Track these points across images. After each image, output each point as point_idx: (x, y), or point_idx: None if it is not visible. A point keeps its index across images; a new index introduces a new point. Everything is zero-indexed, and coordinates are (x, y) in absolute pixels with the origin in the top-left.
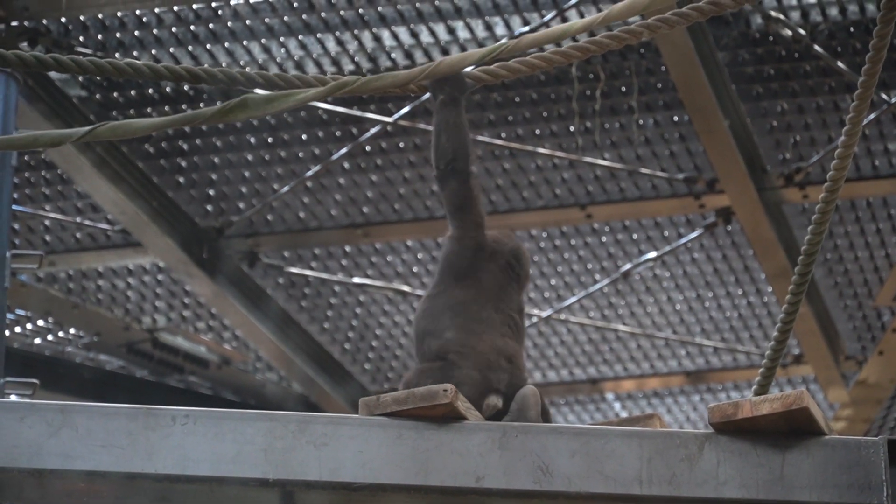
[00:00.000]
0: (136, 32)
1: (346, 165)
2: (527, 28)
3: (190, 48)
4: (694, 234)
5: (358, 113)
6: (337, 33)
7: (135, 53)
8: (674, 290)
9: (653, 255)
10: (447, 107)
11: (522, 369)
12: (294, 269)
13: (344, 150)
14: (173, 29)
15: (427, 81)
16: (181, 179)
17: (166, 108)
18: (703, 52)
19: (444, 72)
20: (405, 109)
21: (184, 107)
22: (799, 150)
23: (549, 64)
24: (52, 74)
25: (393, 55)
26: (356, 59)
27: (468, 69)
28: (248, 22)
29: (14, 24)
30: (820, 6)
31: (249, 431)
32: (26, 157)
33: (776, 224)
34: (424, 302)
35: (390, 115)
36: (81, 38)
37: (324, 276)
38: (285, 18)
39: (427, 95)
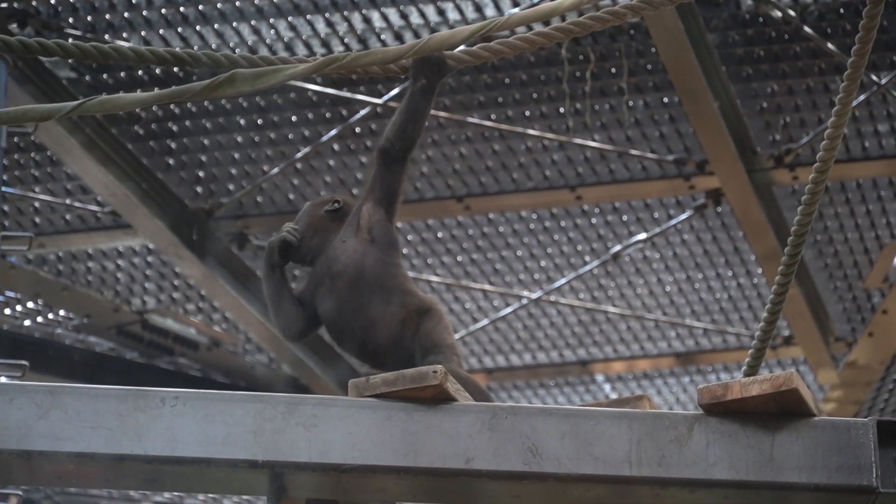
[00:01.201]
0: (126, 14)
1: (336, 147)
2: (516, 9)
3: (179, 30)
4: (684, 216)
5: (347, 94)
6: (326, 14)
7: (124, 35)
8: (664, 271)
9: (642, 236)
10: (424, 94)
11: None
12: None
13: (333, 132)
14: (163, 10)
15: (413, 60)
16: (171, 161)
17: (156, 89)
18: (692, 34)
19: (434, 48)
20: (395, 91)
21: (173, 87)
22: (789, 132)
23: (531, 45)
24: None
25: (382, 36)
26: (346, 40)
27: (452, 51)
28: (237, 3)
29: (3, 5)
30: None
31: (239, 413)
32: (16, 139)
33: (766, 205)
34: (400, 267)
35: (380, 96)
36: (71, 20)
37: None
38: (275, 0)
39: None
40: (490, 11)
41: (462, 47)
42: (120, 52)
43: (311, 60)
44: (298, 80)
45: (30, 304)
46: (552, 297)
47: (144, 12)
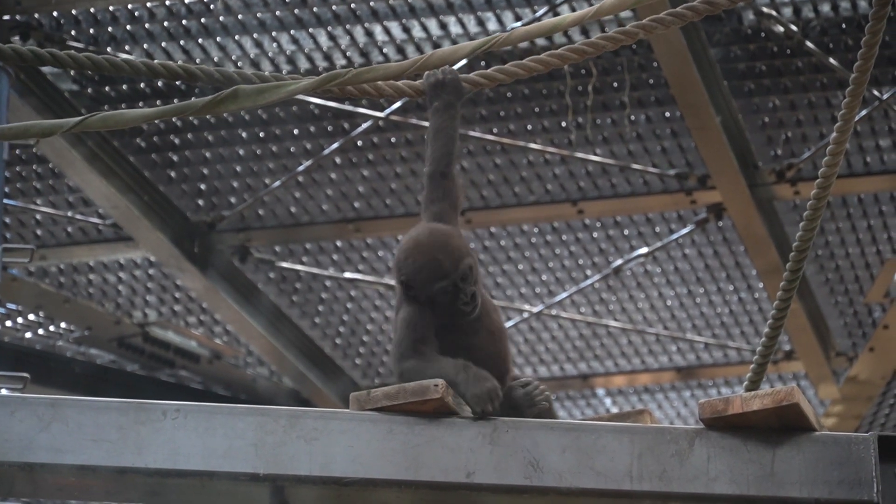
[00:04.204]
0: (128, 27)
1: (338, 160)
2: (518, 24)
3: (182, 42)
4: (685, 231)
5: (350, 108)
6: (329, 28)
7: (126, 48)
8: (665, 286)
9: (644, 251)
10: (443, 112)
11: None
12: (285, 264)
13: (335, 146)
14: (165, 23)
15: (424, 84)
16: (173, 174)
17: (158, 102)
18: (695, 49)
19: (436, 63)
20: (397, 104)
21: (175, 101)
22: (790, 147)
23: (545, 67)
24: (44, 68)
25: (385, 50)
26: (348, 53)
27: (465, 74)
28: (239, 16)
29: (6, 18)
30: (812, 3)
31: (240, 426)
32: (17, 151)
33: (768, 220)
34: None
35: (382, 110)
36: (73, 33)
37: (315, 270)
38: (277, 13)
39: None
40: (492, 25)
41: (476, 70)
42: (131, 64)
43: (314, 77)
44: (301, 95)
45: (31, 317)
46: (553, 311)
47: (147, 25)
